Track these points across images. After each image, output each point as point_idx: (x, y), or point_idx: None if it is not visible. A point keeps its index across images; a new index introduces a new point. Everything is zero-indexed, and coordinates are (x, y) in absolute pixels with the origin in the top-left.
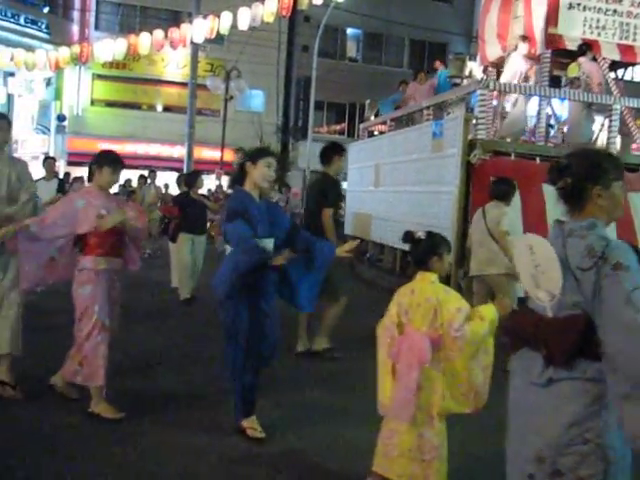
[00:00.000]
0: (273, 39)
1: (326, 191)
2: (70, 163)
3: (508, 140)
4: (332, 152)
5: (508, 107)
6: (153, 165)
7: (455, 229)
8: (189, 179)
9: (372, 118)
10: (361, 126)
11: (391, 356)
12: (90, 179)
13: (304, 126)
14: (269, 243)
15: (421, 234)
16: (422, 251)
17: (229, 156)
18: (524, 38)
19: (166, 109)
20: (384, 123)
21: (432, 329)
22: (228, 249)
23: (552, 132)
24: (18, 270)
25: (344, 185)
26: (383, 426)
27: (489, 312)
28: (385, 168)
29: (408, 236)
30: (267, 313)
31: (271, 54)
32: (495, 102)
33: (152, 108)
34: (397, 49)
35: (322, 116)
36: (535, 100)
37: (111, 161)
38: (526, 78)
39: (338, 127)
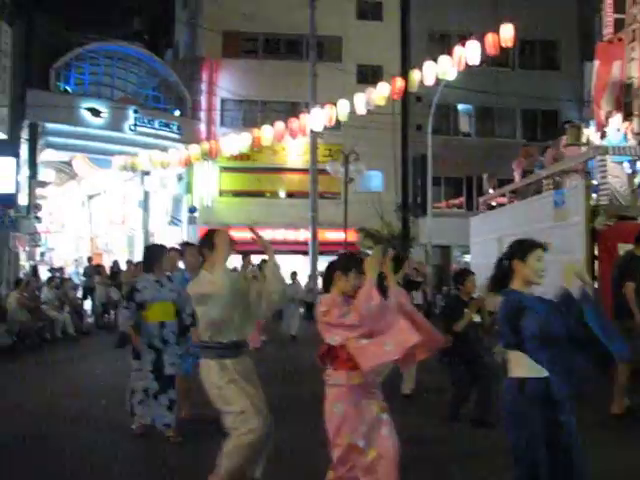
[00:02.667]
0: (387, 121)
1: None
2: None
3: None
4: None
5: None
6: (280, 250)
7: None
8: None
9: (490, 191)
10: (480, 199)
11: None
12: None
13: (423, 202)
14: None
15: None
16: None
17: (352, 236)
18: None
19: (289, 195)
20: (503, 195)
21: None
22: None
23: None
24: None
25: (467, 258)
26: None
27: None
28: (508, 240)
29: None
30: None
31: (386, 135)
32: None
33: (275, 195)
34: (509, 120)
35: (440, 191)
36: None
37: (357, 263)
38: None
39: (456, 201)
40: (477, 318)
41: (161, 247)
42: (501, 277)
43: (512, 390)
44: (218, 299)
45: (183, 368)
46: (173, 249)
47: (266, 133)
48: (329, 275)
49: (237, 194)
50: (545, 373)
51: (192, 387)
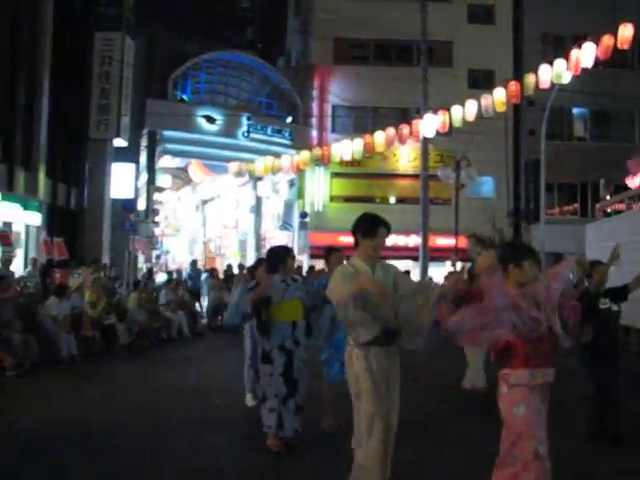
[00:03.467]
0: (499, 126)
1: None
2: (312, 256)
3: None
4: None
5: None
6: (390, 255)
7: None
8: None
9: (607, 197)
10: (597, 206)
11: None
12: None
13: (535, 209)
14: None
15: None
16: None
17: (463, 242)
18: None
19: (399, 201)
20: (622, 202)
21: None
22: None
23: None
24: None
25: None
26: None
27: None
28: (626, 247)
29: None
30: None
31: (498, 141)
32: None
33: (386, 200)
34: (626, 124)
35: (553, 198)
36: None
37: (532, 253)
38: None
39: (570, 208)
40: (615, 307)
41: (285, 248)
42: None
43: None
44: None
45: (329, 376)
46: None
47: (379, 139)
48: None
49: (348, 199)
50: None
51: (338, 396)
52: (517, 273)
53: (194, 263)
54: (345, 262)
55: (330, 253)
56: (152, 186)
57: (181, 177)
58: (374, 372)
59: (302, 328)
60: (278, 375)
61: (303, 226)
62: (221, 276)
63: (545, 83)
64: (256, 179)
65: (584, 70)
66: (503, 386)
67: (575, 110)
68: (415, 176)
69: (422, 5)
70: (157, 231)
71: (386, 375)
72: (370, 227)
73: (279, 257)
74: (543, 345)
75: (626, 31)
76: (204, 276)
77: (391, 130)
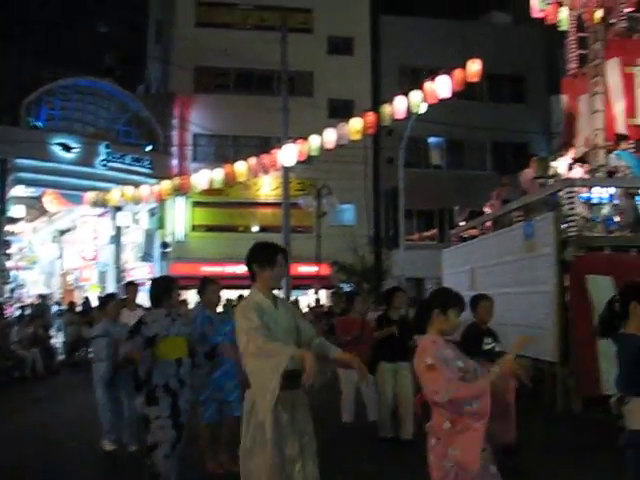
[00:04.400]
0: (359, 155)
1: None
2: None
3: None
4: None
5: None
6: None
7: (557, 329)
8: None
9: (461, 223)
10: (451, 232)
11: None
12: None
13: (395, 235)
14: None
15: None
16: None
17: (325, 270)
18: (620, 136)
19: (262, 229)
20: (474, 228)
21: None
22: None
23: None
24: None
25: None
26: None
27: None
28: (480, 272)
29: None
30: None
31: (358, 169)
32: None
33: (248, 229)
34: (479, 153)
35: (413, 224)
36: None
37: (460, 302)
38: None
39: (429, 234)
40: (498, 348)
41: (169, 279)
42: (611, 320)
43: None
44: None
45: (205, 416)
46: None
47: (239, 168)
48: (426, 314)
49: (210, 229)
50: None
51: (220, 436)
52: (442, 320)
53: (43, 297)
54: (246, 295)
55: (205, 285)
56: (4, 217)
57: (36, 207)
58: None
59: (187, 366)
60: (166, 418)
61: (164, 256)
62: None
63: (401, 113)
64: (115, 209)
65: (439, 101)
66: (431, 439)
67: (431, 139)
68: (277, 204)
69: (282, 35)
70: (10, 264)
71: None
72: (267, 256)
73: (163, 289)
74: None
75: (474, 66)
76: (55, 309)
77: (252, 159)
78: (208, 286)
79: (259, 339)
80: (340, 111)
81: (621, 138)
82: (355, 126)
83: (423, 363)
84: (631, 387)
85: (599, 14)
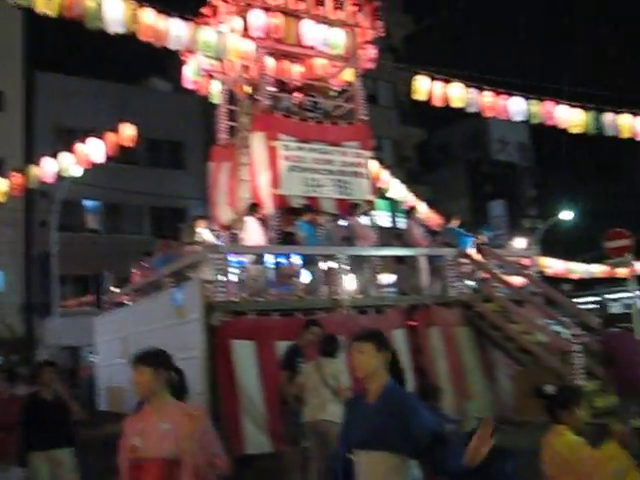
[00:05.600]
0: (7, 217)
1: None
2: None
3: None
4: None
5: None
6: None
7: (208, 394)
8: None
9: (113, 289)
10: (103, 298)
11: None
12: None
13: (49, 302)
14: None
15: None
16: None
17: None
18: (254, 205)
19: None
20: (127, 294)
21: None
22: None
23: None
24: None
25: (95, 359)
26: None
27: None
28: (132, 339)
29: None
30: None
31: (8, 232)
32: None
33: None
34: (137, 217)
35: (68, 290)
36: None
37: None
38: None
39: (86, 299)
40: None
41: None
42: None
43: None
44: None
45: None
46: None
47: None
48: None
49: None
50: None
51: None
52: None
53: None
54: None
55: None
56: None
57: None
58: None
59: None
60: None
61: None
62: None
63: (50, 176)
64: None
65: (94, 165)
66: None
67: (88, 202)
68: None
69: None
70: None
71: None
72: None
73: None
74: None
75: (128, 130)
76: None
77: None
78: None
79: None
80: None
81: (254, 207)
82: (1, 187)
83: None
84: None
85: (247, 90)
